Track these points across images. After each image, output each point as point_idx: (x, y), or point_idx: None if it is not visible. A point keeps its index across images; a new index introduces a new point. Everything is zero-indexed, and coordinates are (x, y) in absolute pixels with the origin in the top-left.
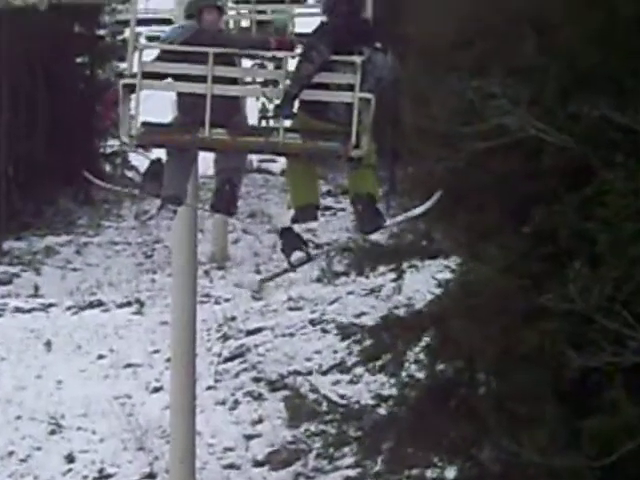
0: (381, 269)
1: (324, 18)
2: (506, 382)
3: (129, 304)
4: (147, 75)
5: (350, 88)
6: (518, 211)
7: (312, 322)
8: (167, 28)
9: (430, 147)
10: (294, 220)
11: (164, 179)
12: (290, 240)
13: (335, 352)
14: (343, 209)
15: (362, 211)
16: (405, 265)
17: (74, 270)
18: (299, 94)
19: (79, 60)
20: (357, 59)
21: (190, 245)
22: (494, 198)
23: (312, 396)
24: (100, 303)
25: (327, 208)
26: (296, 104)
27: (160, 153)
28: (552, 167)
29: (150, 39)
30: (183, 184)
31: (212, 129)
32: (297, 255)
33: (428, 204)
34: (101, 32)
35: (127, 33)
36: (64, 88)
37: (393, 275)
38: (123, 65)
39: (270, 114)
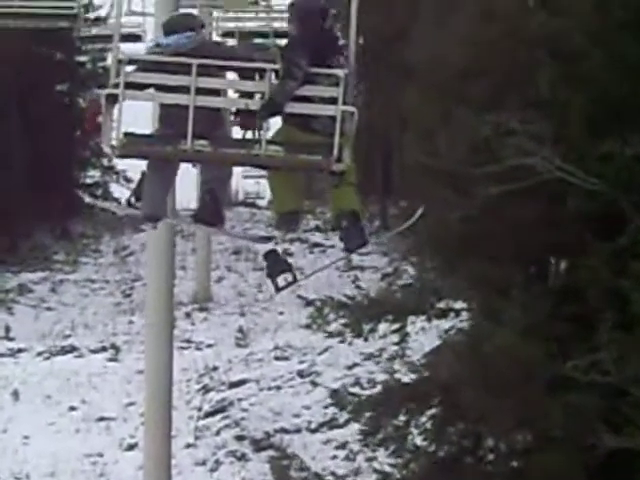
0: (382, 329)
1: (295, 31)
2: (525, 461)
3: (104, 349)
4: (129, 85)
5: (332, 101)
6: (539, 264)
7: (300, 374)
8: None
9: (436, 188)
10: (277, 227)
11: (143, 196)
12: (275, 263)
13: (325, 407)
14: (333, 246)
15: (347, 228)
16: (410, 325)
17: (48, 309)
18: (284, 107)
19: (58, 88)
20: (340, 72)
21: (167, 284)
22: (511, 249)
23: (303, 474)
24: (73, 348)
25: (316, 245)
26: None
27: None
28: (578, 213)
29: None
30: (162, 201)
31: (194, 141)
32: (282, 278)
33: (411, 221)
34: (81, 59)
35: (109, 60)
36: (42, 117)
37: (396, 337)
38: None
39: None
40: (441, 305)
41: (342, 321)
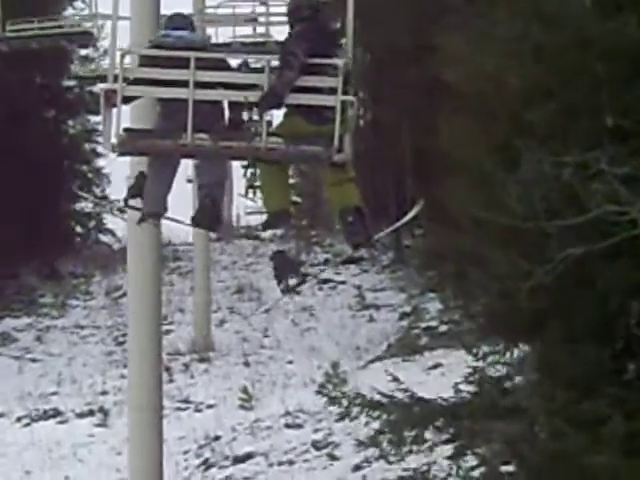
0: (429, 439)
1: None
2: None
3: (91, 413)
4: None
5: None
6: (630, 344)
7: (316, 445)
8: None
9: (497, 250)
10: (265, 226)
11: (144, 194)
12: (283, 264)
13: None
14: (344, 282)
15: (352, 223)
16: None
17: (33, 361)
18: (284, 98)
19: (44, 114)
20: (340, 61)
21: (154, 331)
22: (595, 327)
23: None
24: (57, 412)
25: (325, 281)
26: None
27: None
28: None
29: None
30: (163, 198)
31: (194, 135)
32: (291, 280)
33: (413, 213)
34: (69, 83)
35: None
36: (26, 146)
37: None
38: (94, 119)
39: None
40: (506, 402)
41: (374, 425)
